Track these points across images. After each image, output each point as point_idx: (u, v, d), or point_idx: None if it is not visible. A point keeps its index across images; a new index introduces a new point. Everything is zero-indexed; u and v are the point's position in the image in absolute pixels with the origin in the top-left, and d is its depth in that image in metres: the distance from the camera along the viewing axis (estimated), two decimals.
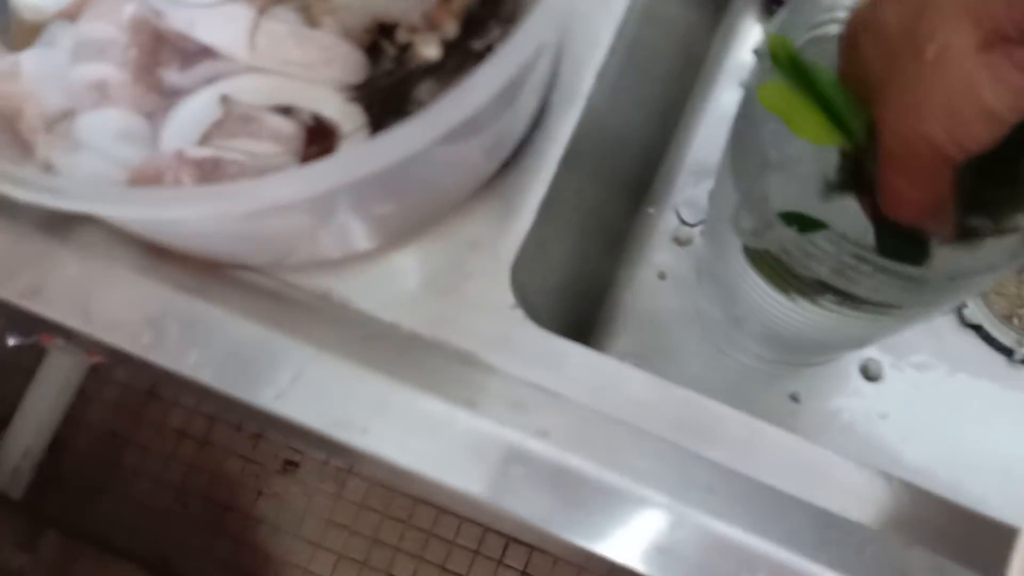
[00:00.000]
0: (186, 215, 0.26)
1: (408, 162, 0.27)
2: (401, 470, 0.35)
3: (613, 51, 0.41)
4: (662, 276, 0.58)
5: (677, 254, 0.59)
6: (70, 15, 0.35)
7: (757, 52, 0.60)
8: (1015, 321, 0.55)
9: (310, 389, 0.36)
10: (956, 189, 0.28)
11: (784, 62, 0.30)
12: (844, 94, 0.29)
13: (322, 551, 1.11)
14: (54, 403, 1.15)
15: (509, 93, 0.30)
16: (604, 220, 0.54)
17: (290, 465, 1.14)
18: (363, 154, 0.26)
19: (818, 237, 0.32)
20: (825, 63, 0.34)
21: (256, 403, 0.35)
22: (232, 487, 1.14)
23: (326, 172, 0.26)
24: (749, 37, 0.61)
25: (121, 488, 1.16)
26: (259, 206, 0.24)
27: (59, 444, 1.17)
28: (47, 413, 1.15)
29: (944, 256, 0.31)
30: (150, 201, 0.26)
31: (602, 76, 0.41)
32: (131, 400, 1.18)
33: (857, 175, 0.32)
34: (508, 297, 0.38)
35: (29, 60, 0.33)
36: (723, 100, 0.60)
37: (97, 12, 0.34)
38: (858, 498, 0.35)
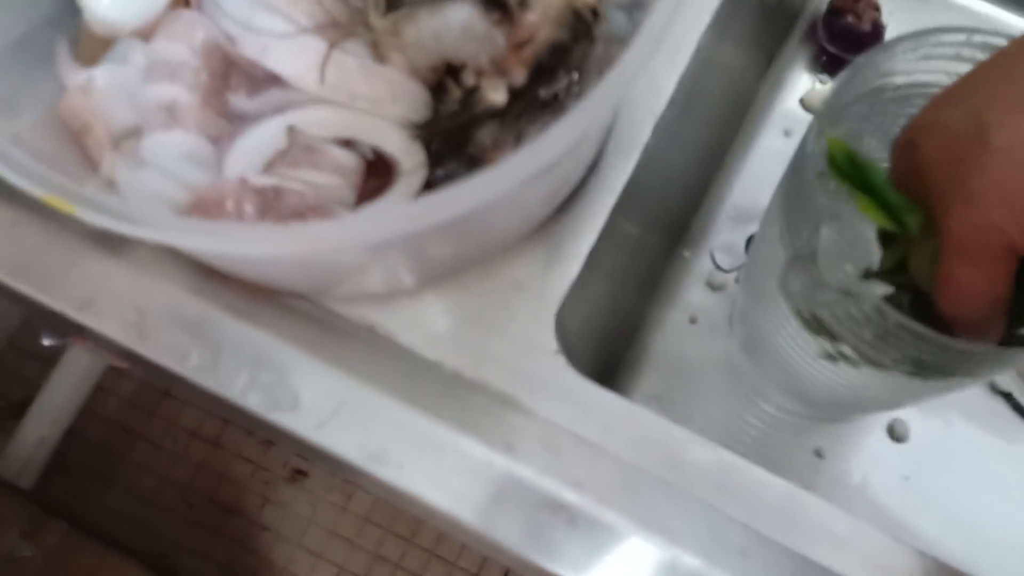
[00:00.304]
0: (258, 253, 0.26)
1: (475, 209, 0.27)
2: (435, 511, 0.35)
3: (673, 101, 0.41)
4: (693, 320, 0.58)
5: (710, 299, 0.58)
6: (142, 34, 0.35)
7: (803, 101, 0.60)
8: None
9: (351, 421, 0.36)
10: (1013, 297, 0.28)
11: (842, 164, 0.30)
12: (899, 194, 0.30)
13: (323, 562, 1.11)
14: (72, 395, 1.15)
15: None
16: (640, 262, 0.54)
17: (299, 474, 1.14)
18: (438, 203, 0.26)
19: (864, 302, 0.32)
20: (879, 117, 0.35)
21: (297, 431, 0.35)
22: (239, 491, 1.14)
23: (399, 218, 0.26)
24: (797, 85, 0.61)
25: (128, 483, 1.16)
26: (338, 248, 0.24)
27: (71, 435, 1.17)
28: (64, 404, 1.15)
29: None
30: (220, 234, 0.26)
31: (660, 126, 0.41)
32: (146, 397, 1.18)
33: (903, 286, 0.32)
34: (551, 342, 0.38)
35: (101, 76, 0.34)
36: (767, 146, 0.60)
37: (171, 33, 0.34)
38: (891, 574, 0.34)
